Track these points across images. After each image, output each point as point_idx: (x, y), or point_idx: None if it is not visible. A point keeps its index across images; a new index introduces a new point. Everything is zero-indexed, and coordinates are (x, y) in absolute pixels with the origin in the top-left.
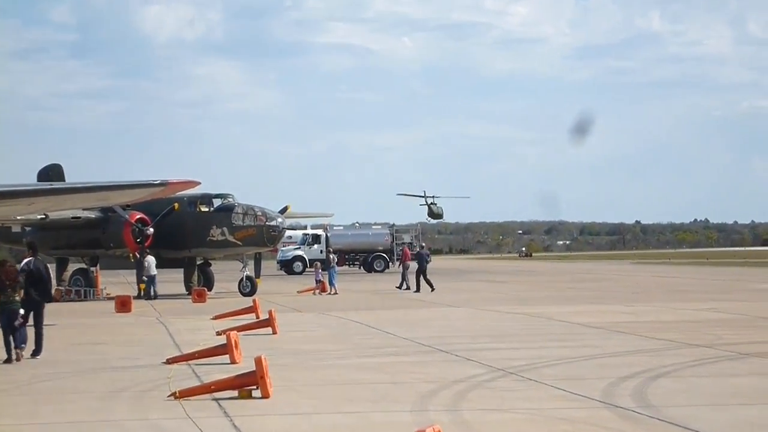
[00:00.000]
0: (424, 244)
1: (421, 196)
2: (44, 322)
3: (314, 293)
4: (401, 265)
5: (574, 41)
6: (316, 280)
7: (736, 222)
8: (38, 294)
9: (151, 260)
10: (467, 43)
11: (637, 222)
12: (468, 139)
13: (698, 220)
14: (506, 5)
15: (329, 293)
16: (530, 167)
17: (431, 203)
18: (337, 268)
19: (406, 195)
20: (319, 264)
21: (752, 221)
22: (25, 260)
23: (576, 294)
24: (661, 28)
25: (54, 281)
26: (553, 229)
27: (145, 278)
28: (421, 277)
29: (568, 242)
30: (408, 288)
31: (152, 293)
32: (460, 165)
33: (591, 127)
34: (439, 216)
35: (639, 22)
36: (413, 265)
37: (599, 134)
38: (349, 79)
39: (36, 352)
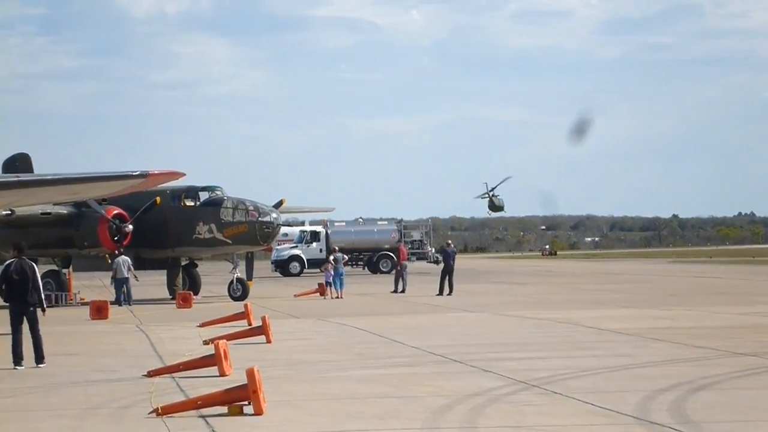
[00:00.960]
0: (450, 242)
1: (487, 192)
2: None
3: (328, 296)
4: (398, 266)
5: (603, 14)
6: (327, 282)
7: None
8: (24, 299)
9: (121, 261)
10: (483, 16)
11: (675, 216)
12: (484, 122)
13: (743, 213)
14: None
15: (333, 297)
16: (553, 154)
17: (493, 195)
18: (344, 270)
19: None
20: (331, 264)
21: None
22: (7, 262)
23: (605, 297)
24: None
25: None
26: (580, 224)
27: (112, 282)
28: (446, 279)
29: (597, 239)
30: (403, 291)
31: (123, 299)
32: (475, 152)
33: (589, 127)
34: (500, 209)
35: None
36: (424, 266)
37: (631, 118)
38: (351, 58)
39: (39, 360)
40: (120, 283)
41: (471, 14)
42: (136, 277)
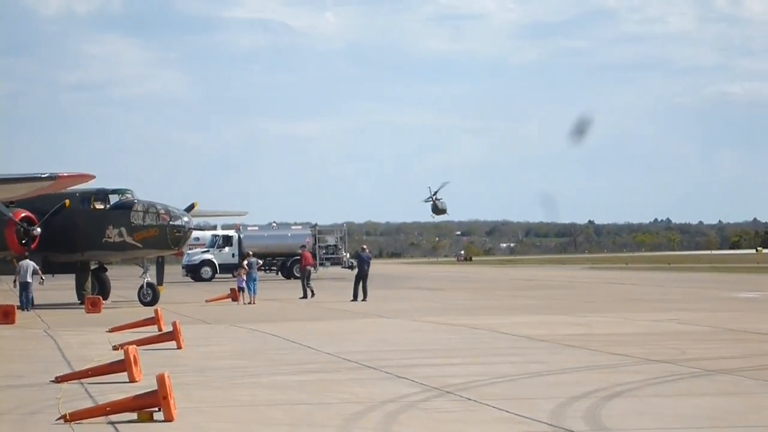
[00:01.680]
0: (365, 246)
1: (430, 196)
2: None
3: (240, 302)
4: (302, 271)
5: (520, 18)
6: (239, 288)
7: (701, 222)
8: None
9: (25, 264)
10: (398, 18)
11: (590, 222)
12: (399, 127)
13: (659, 220)
14: None
15: (246, 302)
16: (471, 160)
17: (436, 198)
18: (257, 275)
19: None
20: (244, 269)
21: (719, 221)
22: None
23: (521, 303)
24: (617, 3)
25: None
26: (495, 230)
27: (14, 286)
28: (360, 284)
29: (512, 245)
30: (312, 296)
31: (25, 303)
32: (391, 156)
33: (589, 127)
34: (443, 212)
35: None
36: (339, 271)
37: (547, 123)
38: (264, 59)
39: None
40: (23, 287)
41: (386, 16)
42: (42, 280)
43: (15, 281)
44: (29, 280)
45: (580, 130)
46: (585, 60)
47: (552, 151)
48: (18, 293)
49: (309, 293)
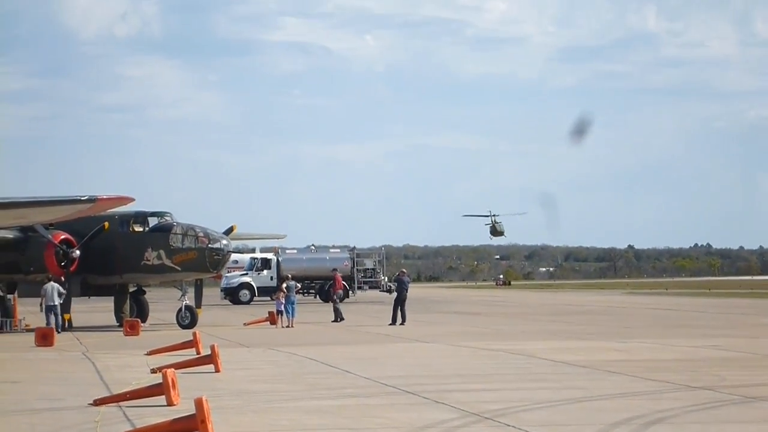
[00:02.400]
0: (404, 270)
1: (485, 215)
2: None
3: (279, 325)
4: (334, 295)
5: (559, 41)
6: (278, 311)
7: (741, 248)
8: None
9: (50, 287)
10: (438, 42)
11: (630, 247)
12: (439, 150)
13: (699, 245)
14: (482, 0)
15: (284, 326)
16: (508, 183)
17: (495, 221)
18: (296, 298)
19: (471, 216)
20: (283, 292)
21: (760, 247)
22: None
23: (560, 328)
24: (657, 27)
25: None
26: (534, 254)
27: (41, 308)
28: (399, 308)
29: (551, 269)
30: (341, 320)
31: (53, 325)
32: (429, 179)
33: (589, 128)
34: (501, 234)
35: (632, 20)
36: (377, 295)
37: (588, 147)
38: (304, 83)
39: None
40: (49, 309)
41: (425, 40)
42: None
43: (41, 304)
44: (56, 302)
45: (580, 130)
46: (624, 84)
47: (591, 175)
48: (44, 316)
49: (340, 317)
